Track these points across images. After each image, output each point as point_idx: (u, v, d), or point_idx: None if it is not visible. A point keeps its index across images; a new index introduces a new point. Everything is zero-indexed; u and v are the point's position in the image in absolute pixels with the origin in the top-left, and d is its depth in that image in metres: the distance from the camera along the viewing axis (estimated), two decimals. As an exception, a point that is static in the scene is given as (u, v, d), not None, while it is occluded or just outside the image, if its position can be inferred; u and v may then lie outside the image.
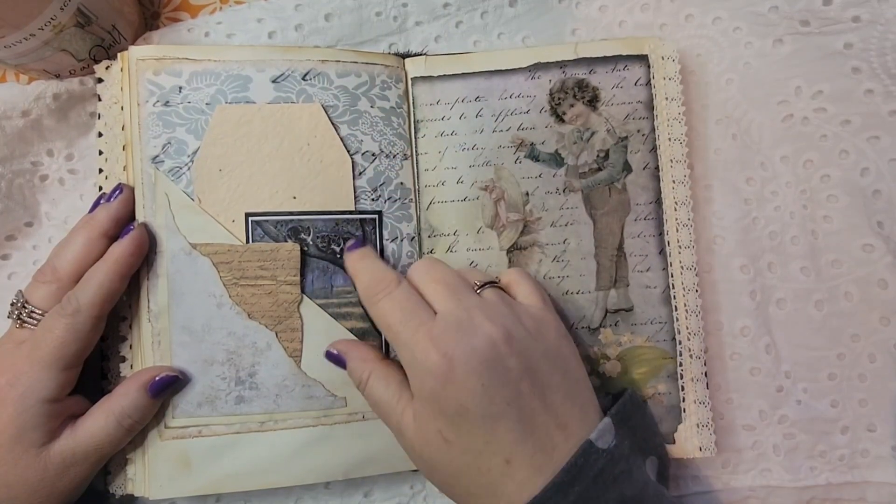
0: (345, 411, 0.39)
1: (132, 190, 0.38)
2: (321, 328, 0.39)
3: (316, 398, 0.39)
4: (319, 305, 0.39)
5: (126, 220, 0.38)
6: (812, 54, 0.44)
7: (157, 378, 0.37)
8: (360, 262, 0.38)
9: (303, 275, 0.39)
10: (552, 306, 0.38)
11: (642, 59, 0.42)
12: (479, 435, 0.32)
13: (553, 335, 0.36)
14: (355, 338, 0.40)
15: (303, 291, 0.39)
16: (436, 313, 0.35)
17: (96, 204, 0.38)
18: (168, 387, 0.37)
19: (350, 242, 0.39)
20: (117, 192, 0.38)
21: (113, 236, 0.37)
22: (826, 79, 0.44)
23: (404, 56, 0.43)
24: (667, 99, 0.42)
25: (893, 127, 0.43)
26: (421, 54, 0.43)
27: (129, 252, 0.36)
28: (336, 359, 0.38)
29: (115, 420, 0.36)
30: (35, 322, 0.36)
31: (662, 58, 0.42)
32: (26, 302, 0.36)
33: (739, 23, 0.45)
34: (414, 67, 0.43)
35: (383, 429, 0.37)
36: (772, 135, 0.44)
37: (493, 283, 0.37)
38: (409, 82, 0.43)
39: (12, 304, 0.36)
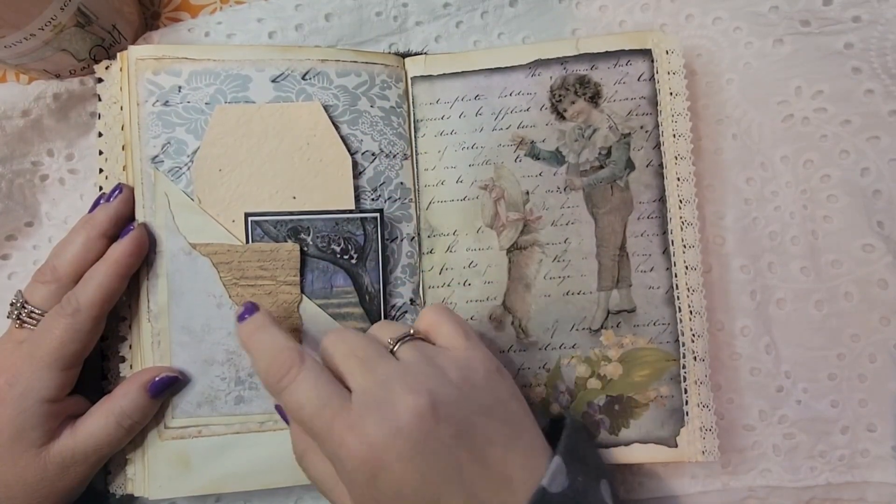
0: (345, 411, 0.39)
1: (132, 190, 0.38)
2: (321, 328, 0.39)
3: (316, 398, 0.39)
4: (319, 306, 0.39)
5: (126, 221, 0.38)
6: (812, 54, 0.44)
7: (156, 378, 0.37)
8: (254, 337, 0.34)
9: (302, 275, 0.39)
10: (477, 340, 0.35)
11: (645, 53, 0.41)
12: None
13: (482, 377, 0.33)
14: None
15: (302, 291, 0.39)
16: (350, 391, 0.31)
17: (96, 204, 0.38)
18: (168, 387, 0.37)
19: (239, 309, 0.35)
20: (117, 192, 0.38)
21: (112, 236, 0.37)
22: (826, 79, 0.44)
23: (404, 56, 0.43)
24: (671, 94, 0.41)
25: (893, 127, 0.43)
26: (421, 54, 0.43)
27: (129, 252, 0.36)
28: (282, 416, 0.37)
29: (114, 420, 0.36)
30: (35, 322, 0.36)
31: (666, 52, 0.41)
32: (26, 302, 0.36)
33: (740, 23, 0.45)
34: (414, 67, 0.42)
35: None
36: (772, 135, 0.44)
37: (410, 337, 0.34)
38: (409, 82, 0.42)
39: (12, 305, 0.36)
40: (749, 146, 0.44)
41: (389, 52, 0.44)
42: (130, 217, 0.38)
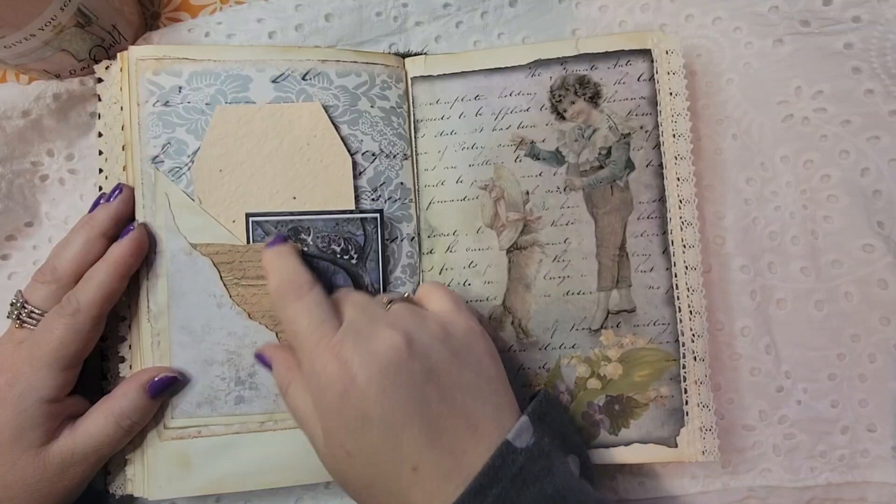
0: (345, 411, 0.39)
1: (132, 190, 0.38)
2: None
3: (316, 398, 0.39)
4: (320, 305, 0.39)
5: (126, 220, 0.38)
6: (812, 54, 0.44)
7: (155, 379, 0.37)
8: (275, 260, 0.37)
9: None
10: (466, 308, 0.37)
11: (645, 53, 0.41)
12: (382, 444, 0.31)
13: (462, 333, 0.35)
14: None
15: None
16: None
17: (96, 204, 0.38)
18: (167, 387, 0.37)
19: (270, 238, 0.38)
20: (117, 191, 0.38)
21: (113, 236, 0.37)
22: (826, 79, 0.44)
23: (404, 56, 0.43)
24: (671, 94, 0.41)
25: (893, 127, 0.43)
26: (421, 54, 0.43)
27: (129, 252, 0.36)
28: (263, 362, 0.37)
29: (113, 421, 0.36)
30: (35, 322, 0.36)
31: (666, 52, 0.41)
32: (26, 302, 0.36)
33: (740, 23, 0.45)
34: (414, 67, 0.42)
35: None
36: (772, 135, 0.44)
37: (404, 298, 0.37)
38: (409, 82, 0.42)
39: (12, 305, 0.36)
40: (749, 146, 0.44)
41: (389, 53, 0.44)
42: (131, 217, 0.38)
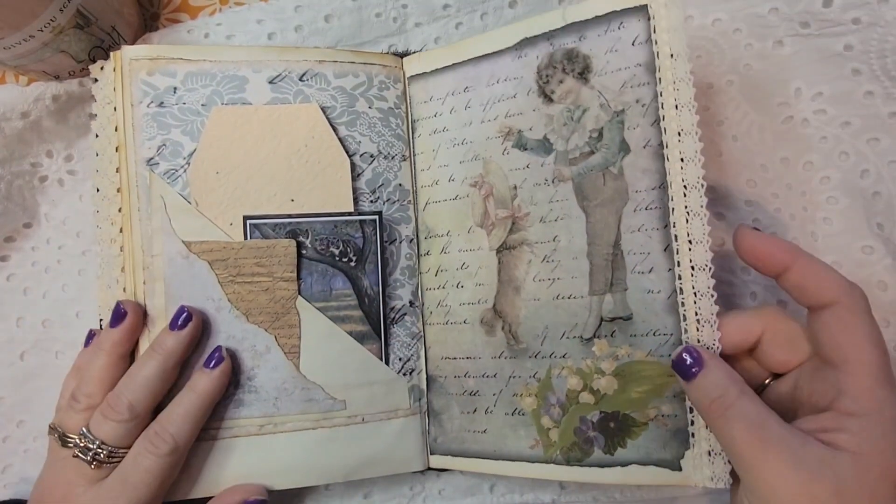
0: (344, 414, 0.39)
1: (200, 318, 0.38)
2: (320, 331, 0.39)
3: (315, 401, 0.39)
4: (318, 308, 0.39)
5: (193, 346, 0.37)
6: (812, 56, 0.44)
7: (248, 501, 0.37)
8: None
9: (302, 277, 0.39)
10: None
11: (640, 11, 0.36)
12: None
13: None
14: (357, 343, 0.40)
15: (302, 294, 0.39)
16: None
17: (116, 320, 0.37)
18: None
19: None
20: (184, 316, 0.37)
21: (179, 362, 0.37)
22: (826, 81, 0.44)
23: (402, 56, 0.43)
24: (671, 56, 0.35)
25: (893, 129, 0.43)
26: (419, 55, 0.43)
27: (219, 387, 0.37)
28: (686, 363, 0.33)
29: None
30: (116, 461, 0.35)
31: (665, 6, 0.35)
32: (103, 442, 0.35)
33: (739, 24, 0.45)
34: (411, 65, 0.42)
35: (382, 431, 0.37)
36: (772, 136, 0.44)
37: None
38: (407, 82, 0.42)
39: (74, 444, 0.35)
40: (749, 148, 0.44)
41: (388, 53, 0.44)
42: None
